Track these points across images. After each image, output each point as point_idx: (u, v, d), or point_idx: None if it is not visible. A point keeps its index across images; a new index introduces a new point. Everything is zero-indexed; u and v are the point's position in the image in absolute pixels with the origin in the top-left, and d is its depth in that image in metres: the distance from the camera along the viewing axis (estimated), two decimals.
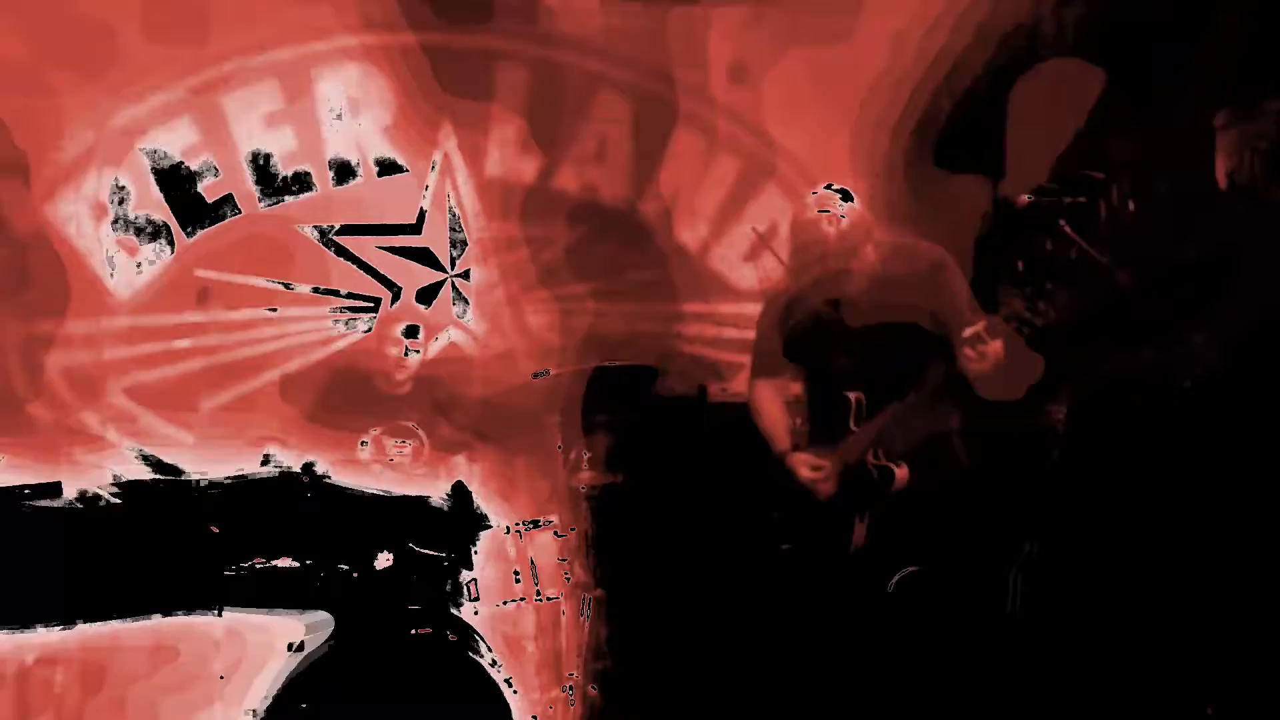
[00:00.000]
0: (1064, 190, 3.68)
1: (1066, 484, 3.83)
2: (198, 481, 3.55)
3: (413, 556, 3.62)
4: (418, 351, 4.52)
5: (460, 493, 3.69)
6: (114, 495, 3.54)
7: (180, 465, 3.66)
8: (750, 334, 5.26)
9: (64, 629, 3.39)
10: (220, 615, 3.52)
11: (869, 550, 3.60)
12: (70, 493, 3.53)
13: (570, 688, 3.78)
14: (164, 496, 3.57)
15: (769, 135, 5.25)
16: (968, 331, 3.33)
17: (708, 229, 5.32)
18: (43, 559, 3.47)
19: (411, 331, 4.50)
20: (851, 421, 3.63)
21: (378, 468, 4.32)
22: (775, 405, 3.82)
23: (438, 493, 4.30)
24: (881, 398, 3.58)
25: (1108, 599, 3.80)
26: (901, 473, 3.58)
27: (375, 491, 3.71)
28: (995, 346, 3.31)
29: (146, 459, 3.71)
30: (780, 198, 5.30)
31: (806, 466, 3.66)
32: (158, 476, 3.60)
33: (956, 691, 3.52)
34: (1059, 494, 3.81)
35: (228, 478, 3.58)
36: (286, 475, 3.62)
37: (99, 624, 3.48)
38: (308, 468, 3.62)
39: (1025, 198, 3.65)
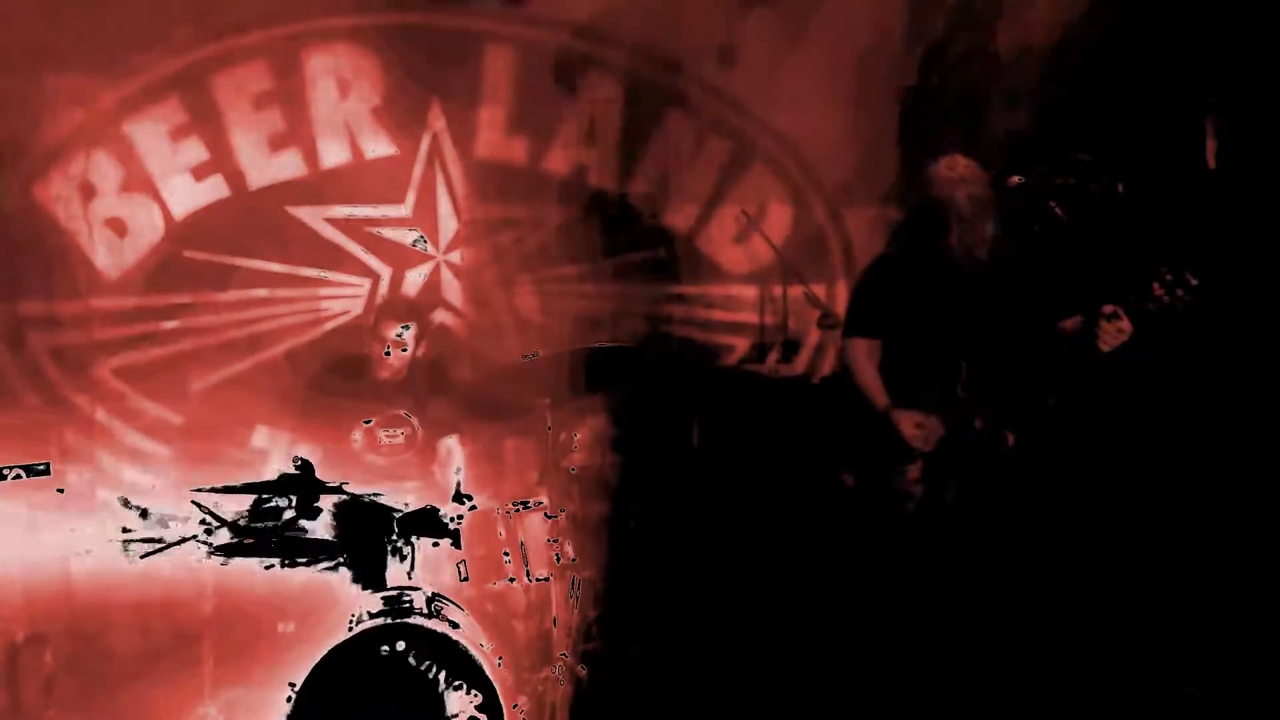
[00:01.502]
0: (1053, 172, 3.69)
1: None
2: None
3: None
4: (404, 350, 4.46)
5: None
6: None
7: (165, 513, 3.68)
8: (739, 316, 5.34)
9: None
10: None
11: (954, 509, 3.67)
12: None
13: (559, 668, 3.79)
14: None
15: (758, 117, 5.25)
16: (1107, 309, 3.46)
17: (697, 211, 5.31)
18: None
19: (400, 333, 4.43)
20: (959, 388, 3.69)
21: (370, 457, 4.31)
22: (871, 363, 3.85)
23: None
24: (989, 364, 3.65)
25: (1094, 582, 3.84)
26: (1011, 438, 3.66)
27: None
28: (1127, 324, 3.45)
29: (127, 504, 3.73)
30: (769, 179, 5.31)
31: (911, 424, 3.70)
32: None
33: (949, 678, 3.55)
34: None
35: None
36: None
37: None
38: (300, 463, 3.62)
39: (1015, 179, 3.67)
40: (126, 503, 3.81)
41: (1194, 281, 3.37)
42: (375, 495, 3.78)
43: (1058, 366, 3.63)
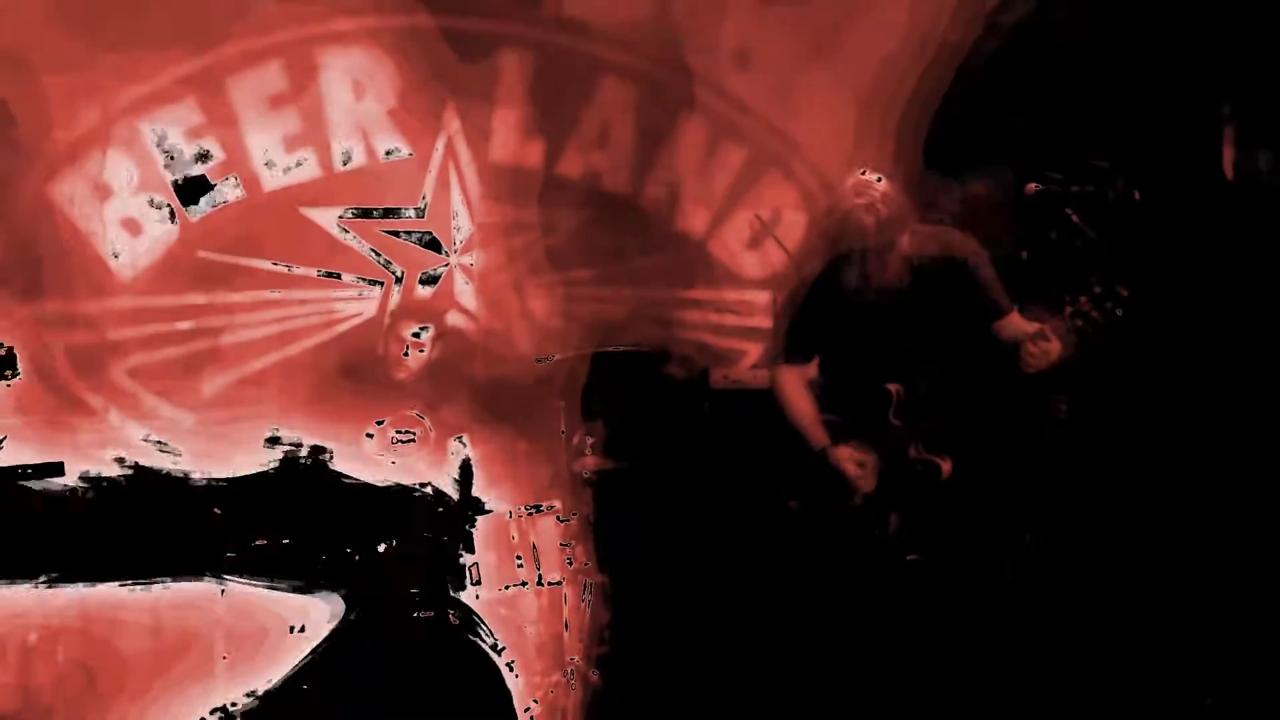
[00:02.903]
0: (1071, 179, 3.68)
1: (1067, 475, 3.84)
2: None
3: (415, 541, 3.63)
4: (421, 351, 4.47)
5: (465, 474, 3.67)
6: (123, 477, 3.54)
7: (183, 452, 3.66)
8: (752, 321, 5.33)
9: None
10: (223, 594, 3.53)
11: (898, 541, 3.59)
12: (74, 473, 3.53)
13: (571, 672, 3.79)
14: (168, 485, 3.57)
15: (774, 122, 5.24)
16: (1032, 329, 3.36)
17: (711, 216, 5.31)
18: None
19: (419, 333, 4.46)
20: (891, 414, 3.58)
21: (383, 457, 4.31)
22: (803, 395, 3.73)
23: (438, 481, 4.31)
24: (919, 389, 3.56)
25: (1108, 591, 3.81)
26: (946, 466, 3.55)
27: (374, 481, 3.71)
28: (1055, 346, 3.33)
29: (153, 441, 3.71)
30: (784, 185, 5.30)
31: (852, 462, 3.59)
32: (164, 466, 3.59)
33: (959, 683, 3.53)
34: (1059, 485, 3.81)
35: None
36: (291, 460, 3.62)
37: (101, 598, 3.48)
38: (317, 452, 3.62)
39: (1033, 186, 3.65)
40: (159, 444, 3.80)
41: (1124, 293, 3.26)
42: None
43: (988, 387, 3.53)
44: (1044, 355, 3.33)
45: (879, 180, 3.52)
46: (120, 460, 3.62)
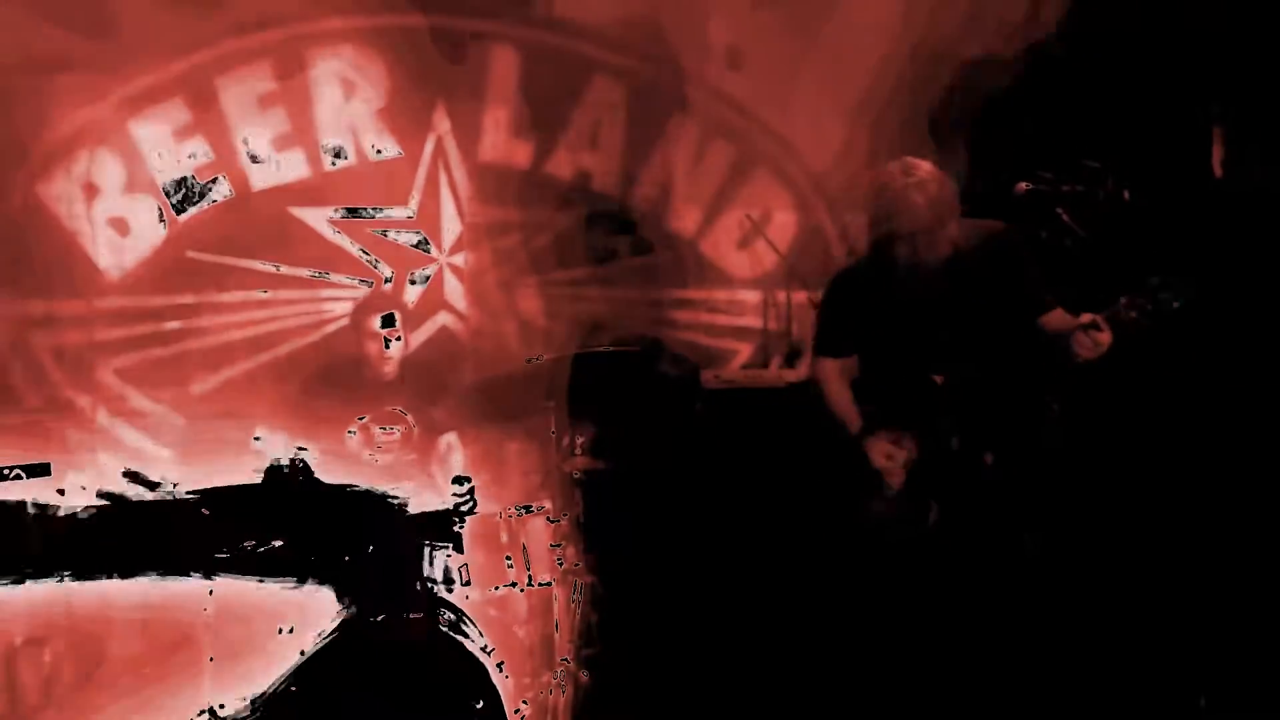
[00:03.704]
0: (1061, 179, 3.68)
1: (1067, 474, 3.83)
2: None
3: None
4: (399, 339, 4.46)
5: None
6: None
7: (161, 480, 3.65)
8: (743, 320, 5.33)
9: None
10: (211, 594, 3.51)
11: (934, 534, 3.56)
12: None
13: (561, 673, 3.78)
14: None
15: (763, 121, 5.24)
16: (1085, 318, 3.34)
17: (701, 215, 5.31)
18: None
19: (388, 321, 4.43)
20: (934, 405, 3.56)
21: (366, 455, 4.30)
22: (842, 385, 3.70)
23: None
24: (962, 381, 3.53)
25: (1104, 592, 3.81)
26: (989, 458, 3.53)
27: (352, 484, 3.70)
28: (1106, 336, 3.31)
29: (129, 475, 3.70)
30: (774, 184, 5.30)
31: (882, 453, 3.57)
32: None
33: (955, 684, 3.52)
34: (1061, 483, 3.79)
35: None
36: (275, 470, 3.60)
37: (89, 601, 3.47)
38: (297, 460, 3.61)
39: (1023, 185, 3.65)
40: (134, 476, 3.78)
41: (1180, 290, 3.26)
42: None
43: (1037, 379, 3.52)
44: (1096, 346, 3.31)
45: (926, 167, 3.49)
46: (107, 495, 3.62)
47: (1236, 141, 4.10)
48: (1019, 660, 3.53)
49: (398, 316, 4.47)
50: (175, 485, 3.59)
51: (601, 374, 4.48)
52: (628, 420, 4.46)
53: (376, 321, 4.42)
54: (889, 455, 3.57)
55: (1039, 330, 3.50)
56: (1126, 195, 3.81)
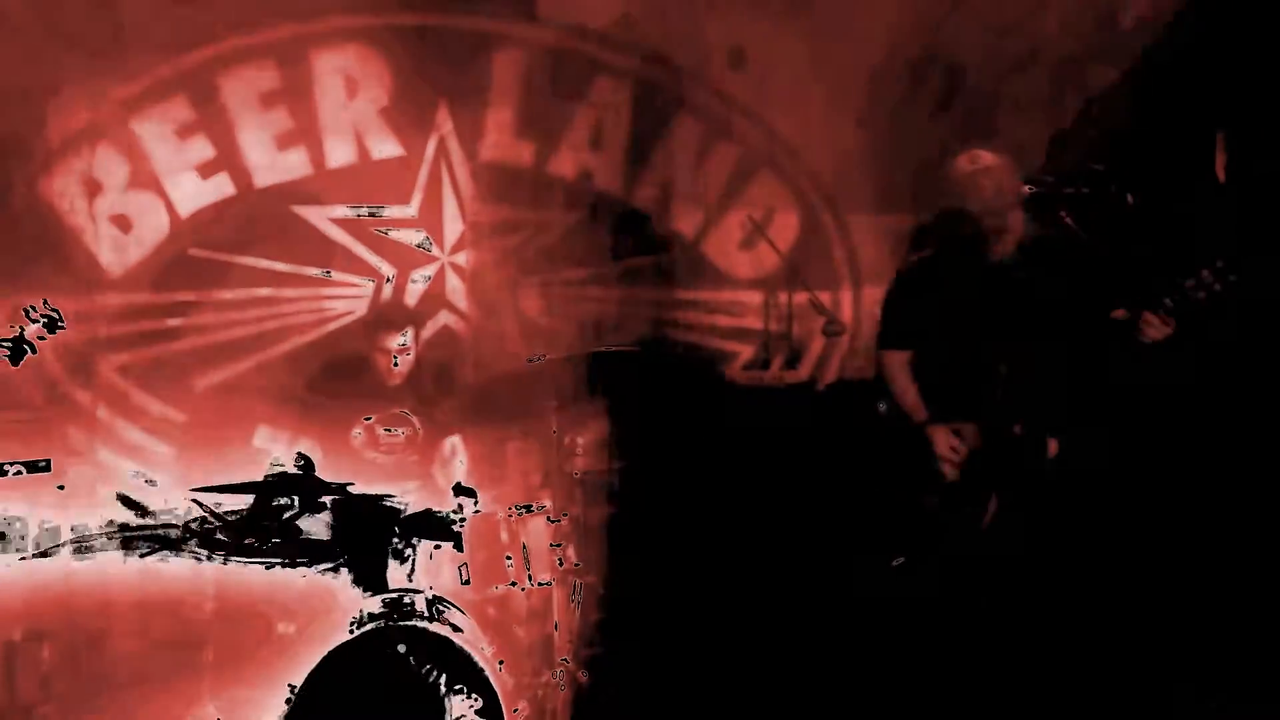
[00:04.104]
0: (1064, 181, 3.68)
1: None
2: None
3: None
4: (409, 355, 4.45)
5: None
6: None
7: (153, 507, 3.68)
8: (744, 321, 5.32)
9: None
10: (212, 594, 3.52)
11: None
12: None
13: (560, 672, 3.77)
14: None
15: (767, 122, 5.24)
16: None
17: (703, 216, 5.30)
18: None
19: (401, 340, 4.41)
20: (997, 394, 3.60)
21: (371, 454, 4.30)
22: (908, 377, 3.78)
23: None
24: (1026, 370, 3.57)
25: (1147, 601, 3.75)
26: (1054, 446, 3.57)
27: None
28: (1172, 320, 3.38)
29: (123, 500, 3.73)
30: (776, 185, 5.30)
31: (946, 444, 3.64)
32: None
33: (945, 685, 3.52)
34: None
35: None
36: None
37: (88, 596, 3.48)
38: (302, 462, 3.62)
39: (1026, 188, 3.65)
40: (127, 500, 3.80)
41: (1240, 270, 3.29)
42: (387, 496, 3.76)
43: (1103, 366, 3.52)
44: (1165, 324, 3.37)
45: (989, 156, 3.61)
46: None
47: (1240, 147, 4.10)
48: (1059, 671, 3.51)
49: (410, 336, 4.46)
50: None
51: (603, 374, 4.48)
52: (629, 420, 4.47)
53: (390, 339, 4.42)
54: (954, 447, 3.63)
55: (1101, 316, 3.52)
56: (1131, 200, 3.81)
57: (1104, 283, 3.55)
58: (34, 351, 3.29)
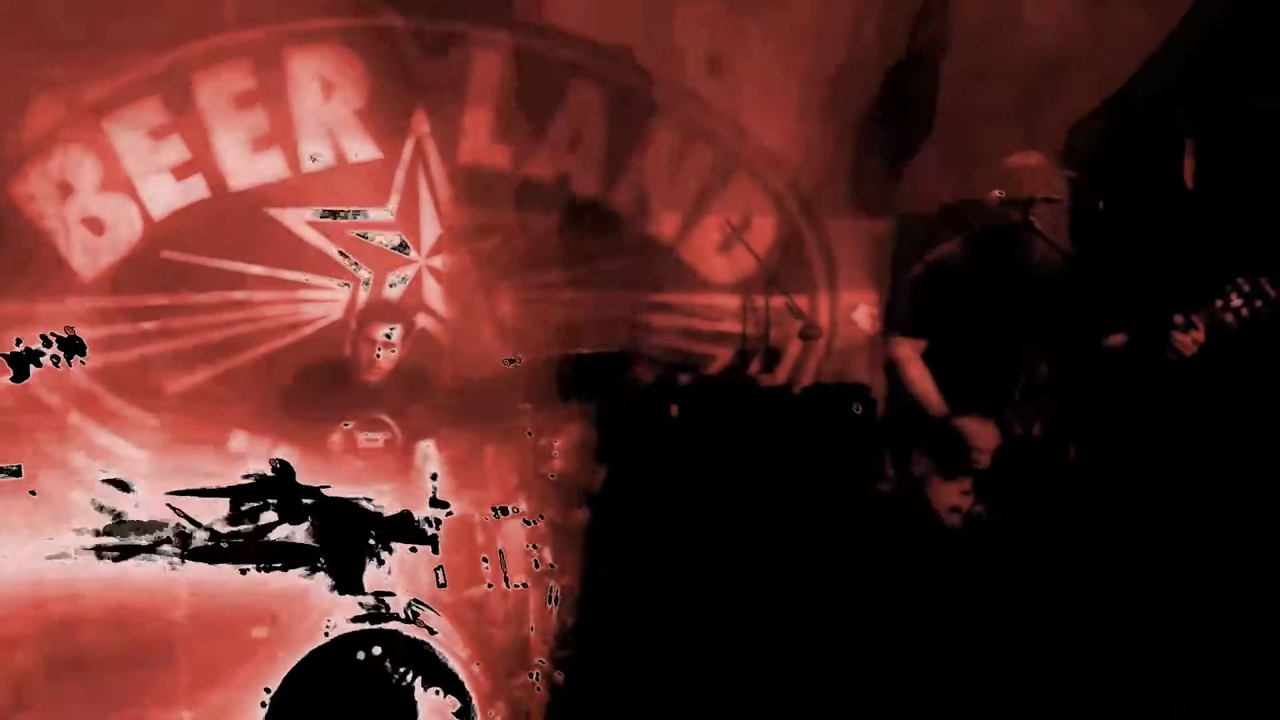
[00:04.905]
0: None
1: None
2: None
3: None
4: (393, 351, 4.47)
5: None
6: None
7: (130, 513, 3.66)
8: (722, 325, 5.34)
9: None
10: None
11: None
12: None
13: (536, 675, 3.77)
14: None
15: (743, 126, 5.26)
16: (1179, 319, 3.42)
17: (680, 220, 5.32)
18: None
19: (389, 334, 4.44)
20: (1018, 394, 3.60)
21: (348, 459, 4.29)
22: (922, 366, 3.77)
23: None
24: (1048, 372, 3.59)
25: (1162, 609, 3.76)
26: (1073, 449, 3.58)
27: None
28: (1200, 335, 3.40)
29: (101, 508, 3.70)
30: (753, 189, 5.32)
31: (982, 436, 3.64)
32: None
33: (938, 683, 3.53)
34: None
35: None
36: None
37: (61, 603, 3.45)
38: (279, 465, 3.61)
39: (997, 194, 3.68)
40: (100, 506, 3.77)
41: (1273, 293, 3.34)
42: (366, 499, 3.75)
43: (1126, 374, 3.55)
44: (1195, 343, 3.40)
45: (1037, 157, 3.68)
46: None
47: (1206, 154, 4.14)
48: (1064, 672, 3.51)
49: (399, 329, 4.47)
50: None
51: (579, 377, 4.49)
52: (604, 423, 4.47)
53: (379, 330, 4.42)
54: (979, 438, 3.63)
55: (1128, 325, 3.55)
56: (1100, 205, 3.85)
57: (1141, 290, 3.58)
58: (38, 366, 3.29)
